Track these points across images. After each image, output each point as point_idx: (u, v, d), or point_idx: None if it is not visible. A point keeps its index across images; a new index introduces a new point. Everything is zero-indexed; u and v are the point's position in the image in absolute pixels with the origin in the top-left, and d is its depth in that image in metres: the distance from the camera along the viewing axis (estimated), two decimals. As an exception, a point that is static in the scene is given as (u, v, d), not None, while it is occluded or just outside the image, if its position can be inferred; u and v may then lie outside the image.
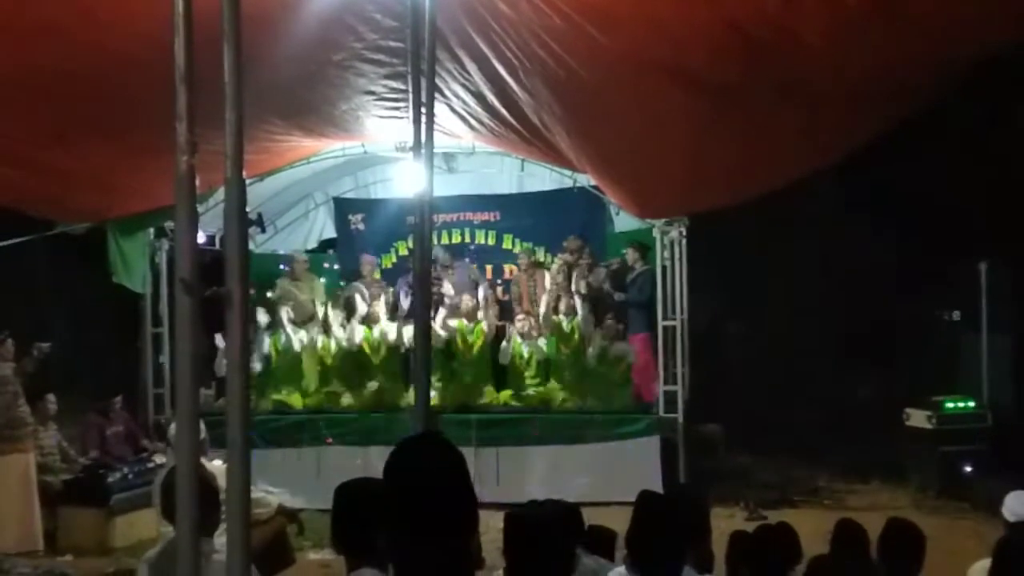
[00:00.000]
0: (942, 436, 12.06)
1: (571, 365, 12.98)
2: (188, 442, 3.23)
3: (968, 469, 11.82)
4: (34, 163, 8.62)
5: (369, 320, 13.35)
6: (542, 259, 14.19)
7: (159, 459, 10.98)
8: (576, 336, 12.96)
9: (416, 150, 5.31)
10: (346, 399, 13.03)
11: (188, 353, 3.20)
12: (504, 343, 13.24)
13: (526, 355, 13.11)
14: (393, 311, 13.51)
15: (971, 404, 12.37)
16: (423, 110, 5.33)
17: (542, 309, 13.12)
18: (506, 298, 14.06)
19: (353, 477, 3.85)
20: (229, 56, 3.21)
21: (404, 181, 11.81)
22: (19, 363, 10.62)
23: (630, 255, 13.47)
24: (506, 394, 13.00)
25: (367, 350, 13.22)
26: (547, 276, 13.74)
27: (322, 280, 14.40)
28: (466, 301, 13.32)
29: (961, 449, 11.91)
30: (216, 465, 5.82)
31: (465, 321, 13.21)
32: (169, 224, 12.40)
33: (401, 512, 2.65)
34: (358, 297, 13.68)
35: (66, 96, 7.27)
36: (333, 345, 13.28)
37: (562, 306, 13.05)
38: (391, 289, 13.98)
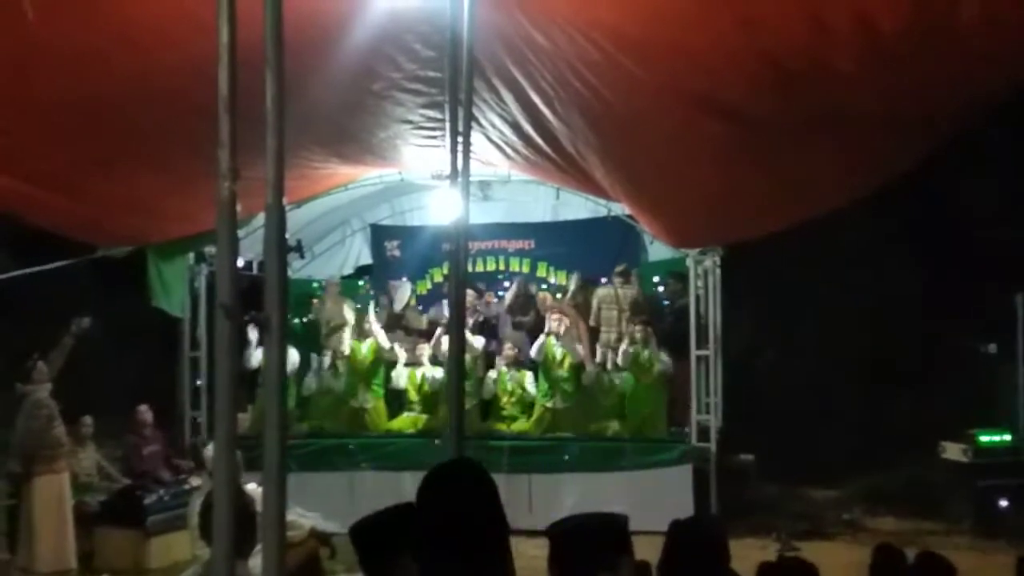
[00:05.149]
0: (978, 469, 11.91)
1: (649, 397, 12.90)
2: (226, 465, 3.27)
3: (1004, 503, 11.68)
4: (76, 188, 8.72)
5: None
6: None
7: (195, 481, 11.05)
8: (655, 368, 12.84)
9: (452, 178, 5.34)
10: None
11: (227, 376, 3.25)
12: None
13: (509, 387, 13.23)
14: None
15: (1008, 437, 12.19)
16: (460, 139, 5.37)
17: (624, 344, 12.91)
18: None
19: (381, 504, 3.82)
20: (271, 85, 3.27)
21: (440, 208, 11.86)
22: (59, 341, 10.64)
23: (671, 285, 13.59)
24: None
25: (410, 388, 13.37)
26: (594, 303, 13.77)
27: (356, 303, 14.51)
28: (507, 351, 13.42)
29: (997, 483, 11.76)
30: (252, 489, 5.86)
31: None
32: (209, 249, 12.52)
33: (433, 538, 2.66)
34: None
35: (109, 122, 7.35)
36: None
37: (637, 334, 12.91)
38: (424, 316, 14.09)
